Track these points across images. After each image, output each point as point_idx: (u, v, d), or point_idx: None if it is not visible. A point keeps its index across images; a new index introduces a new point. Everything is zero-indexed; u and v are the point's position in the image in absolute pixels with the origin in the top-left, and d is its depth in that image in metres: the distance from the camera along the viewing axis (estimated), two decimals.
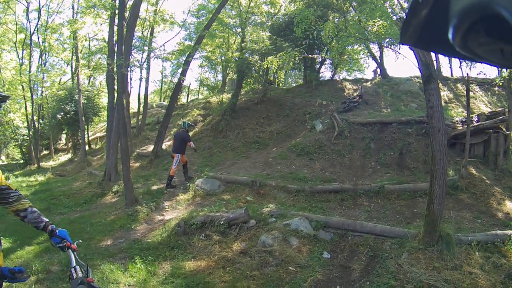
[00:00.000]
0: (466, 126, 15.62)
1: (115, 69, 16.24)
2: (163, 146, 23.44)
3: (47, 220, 4.43)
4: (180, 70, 23.95)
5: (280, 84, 29.67)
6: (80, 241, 4.81)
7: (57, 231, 4.32)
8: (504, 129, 15.79)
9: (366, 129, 19.47)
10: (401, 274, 8.51)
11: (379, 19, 12.76)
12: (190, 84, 42.32)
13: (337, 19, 21.35)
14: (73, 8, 30.16)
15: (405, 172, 16.32)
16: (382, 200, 13.96)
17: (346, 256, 10.19)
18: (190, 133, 19.22)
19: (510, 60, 0.88)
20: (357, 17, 24.22)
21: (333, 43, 17.08)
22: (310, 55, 20.26)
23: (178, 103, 34.81)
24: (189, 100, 39.93)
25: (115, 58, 16.56)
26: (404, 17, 1.23)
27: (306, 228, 10.99)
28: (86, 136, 31.70)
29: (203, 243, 10.59)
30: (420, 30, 0.98)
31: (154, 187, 16.70)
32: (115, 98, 17.77)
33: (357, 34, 13.44)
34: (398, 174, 16.20)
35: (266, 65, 18.61)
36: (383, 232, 10.77)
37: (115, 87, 17.91)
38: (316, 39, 24.76)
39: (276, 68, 19.87)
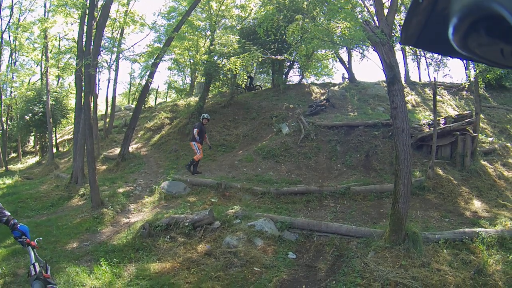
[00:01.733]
0: (433, 128, 15.91)
1: (83, 69, 16.09)
2: (130, 149, 23.18)
3: (9, 214, 4.54)
4: (148, 72, 23.82)
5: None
6: (41, 238, 4.89)
7: (18, 225, 4.42)
8: (471, 131, 16.18)
9: (333, 132, 19.64)
10: (367, 272, 8.63)
11: (343, 21, 12.93)
12: (158, 87, 41.86)
13: (306, 23, 21.61)
14: (45, 6, 29.93)
15: (371, 173, 16.59)
16: (348, 201, 14.19)
17: (312, 256, 10.30)
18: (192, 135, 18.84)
19: (510, 60, 0.90)
20: (321, 19, 24.53)
21: (301, 47, 17.11)
22: (274, 56, 20.32)
23: (146, 106, 34.87)
24: (157, 103, 39.59)
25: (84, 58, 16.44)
26: (404, 17, 1.26)
27: (271, 229, 11.08)
28: (54, 138, 31.24)
29: (168, 245, 10.60)
30: (420, 30, 1.01)
31: (120, 190, 16.39)
32: (83, 100, 17.62)
33: (321, 36, 13.56)
34: (365, 175, 16.43)
35: (229, 66, 18.60)
36: (349, 232, 10.89)
37: (84, 88, 17.80)
38: (285, 43, 24.92)
39: (238, 69, 19.88)
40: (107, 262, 9.46)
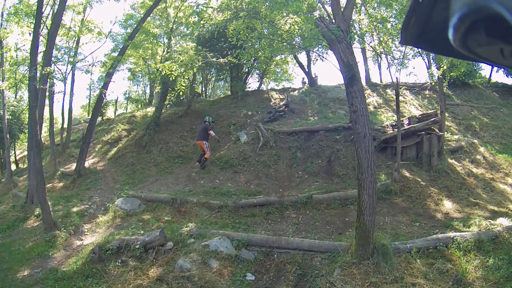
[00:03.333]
0: (396, 129, 15.59)
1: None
2: (87, 164, 22.38)
3: None
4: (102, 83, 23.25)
5: (204, 96, 29.46)
6: None
7: None
8: (437, 130, 15.94)
9: (292, 138, 19.21)
10: None
11: (293, 15, 12.45)
12: (117, 98, 41.28)
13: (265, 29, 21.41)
14: (2, 15, 29.02)
15: (334, 179, 16.14)
16: (311, 211, 13.71)
17: (272, 276, 9.80)
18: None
19: (510, 60, 0.90)
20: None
21: (260, 55, 16.73)
22: (216, 60, 19.78)
23: (104, 118, 34.26)
24: (116, 115, 38.86)
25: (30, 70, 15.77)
26: (404, 17, 1.10)
27: (226, 248, 10.51)
28: (12, 155, 30.39)
29: (119, 270, 10.05)
30: (420, 30, 1.01)
31: (75, 209, 15.68)
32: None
33: (276, 39, 13.08)
34: (327, 182, 15.96)
35: (164, 72, 18.07)
36: (312, 247, 10.38)
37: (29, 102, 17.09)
38: (244, 49, 24.28)
39: (175, 75, 19.41)
40: None
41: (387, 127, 17.88)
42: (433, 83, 22.84)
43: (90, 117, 36.36)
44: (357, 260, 9.06)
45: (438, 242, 9.76)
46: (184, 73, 21.60)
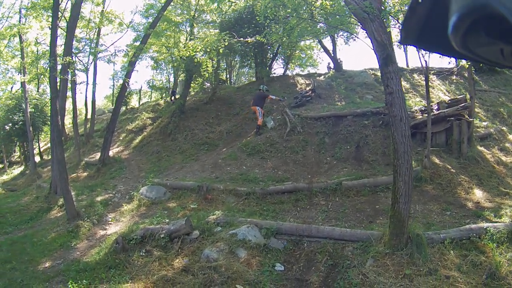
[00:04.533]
0: (426, 115, 14.88)
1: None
2: (111, 153, 22.29)
3: None
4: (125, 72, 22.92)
5: (229, 83, 29.11)
6: None
7: None
8: (466, 116, 15.19)
9: (320, 124, 18.43)
10: (367, 285, 7.62)
11: None
12: (141, 87, 40.94)
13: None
14: (20, 11, 28.71)
15: (363, 166, 15.39)
16: (341, 198, 13.02)
17: (302, 267, 9.21)
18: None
19: (510, 60, 0.90)
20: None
21: (284, 39, 16.18)
22: (243, 39, 19.20)
23: (128, 107, 34.51)
24: (141, 103, 38.63)
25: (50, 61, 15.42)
26: (404, 17, 1.18)
27: (255, 237, 9.91)
28: (36, 146, 30.39)
29: (143, 260, 9.60)
30: (420, 30, 1.01)
31: (99, 198, 15.50)
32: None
33: (303, 24, 12.35)
34: (356, 168, 15.23)
35: (187, 53, 17.42)
36: (343, 236, 9.74)
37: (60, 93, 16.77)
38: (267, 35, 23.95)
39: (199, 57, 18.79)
40: (77, 285, 8.46)
41: (416, 112, 17.06)
42: (459, 68, 22.20)
43: (113, 107, 36.58)
44: (390, 250, 8.48)
45: (471, 233, 9.20)
46: (208, 55, 21.23)
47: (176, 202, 14.09)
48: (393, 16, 11.56)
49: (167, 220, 11.61)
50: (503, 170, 14.51)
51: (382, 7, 9.37)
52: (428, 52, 14.05)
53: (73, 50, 21.03)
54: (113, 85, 43.11)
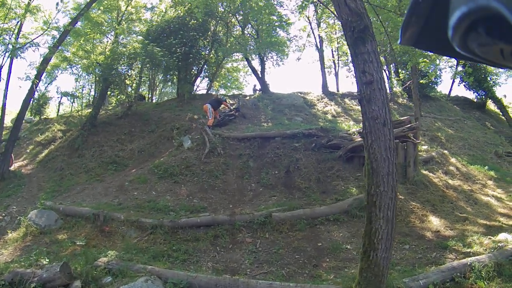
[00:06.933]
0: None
1: None
2: (12, 167, 19.59)
3: None
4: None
5: (150, 101, 28.18)
6: None
7: None
8: (412, 137, 14.10)
9: (244, 145, 16.48)
10: None
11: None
12: (61, 97, 38.12)
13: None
14: None
15: (295, 194, 13.37)
16: (271, 234, 10.94)
17: None
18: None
19: (510, 60, 0.87)
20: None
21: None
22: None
23: (42, 117, 31.95)
24: (59, 115, 35.96)
25: None
26: (404, 17, 0.97)
27: None
28: None
29: None
30: (420, 30, 0.98)
31: None
32: None
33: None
34: (287, 197, 13.18)
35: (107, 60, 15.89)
36: None
37: None
38: (193, 48, 23.82)
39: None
40: None
41: (354, 135, 15.67)
42: (391, 95, 21.88)
43: (32, 117, 33.85)
44: None
45: (454, 272, 7.75)
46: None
47: (68, 233, 11.48)
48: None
49: (45, 261, 8.92)
50: (453, 194, 13.64)
51: None
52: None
53: None
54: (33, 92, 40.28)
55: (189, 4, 23.83)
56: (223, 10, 26.05)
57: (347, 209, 11.47)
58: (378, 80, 6.07)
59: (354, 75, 6.48)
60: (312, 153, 15.14)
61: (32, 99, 24.06)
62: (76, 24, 22.36)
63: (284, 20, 27.55)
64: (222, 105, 20.31)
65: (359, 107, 20.71)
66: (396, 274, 7.87)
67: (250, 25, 27.27)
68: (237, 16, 26.86)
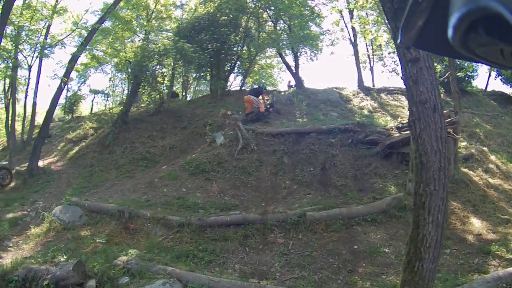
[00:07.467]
0: (405, 132, 13.29)
1: None
2: (42, 163, 19.60)
3: None
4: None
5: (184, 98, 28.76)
6: None
7: None
8: (453, 133, 13.05)
9: (278, 141, 15.82)
10: None
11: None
12: (94, 96, 38.24)
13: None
14: None
15: (331, 191, 12.60)
16: (305, 235, 10.15)
17: None
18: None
19: (510, 60, 0.86)
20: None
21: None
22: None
23: (74, 116, 32.16)
24: (92, 113, 36.11)
25: None
26: (403, 18, 0.94)
27: None
28: None
29: None
30: (420, 30, 0.95)
31: (10, 215, 12.81)
32: None
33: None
34: (323, 195, 12.40)
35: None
36: None
37: None
38: (224, 43, 23.44)
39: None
40: None
41: (392, 130, 15.03)
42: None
43: (65, 116, 34.12)
44: None
45: (500, 282, 7.04)
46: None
47: (91, 230, 11.18)
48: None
49: (63, 258, 8.63)
50: (494, 193, 12.61)
51: None
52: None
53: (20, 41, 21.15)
54: (66, 92, 40.59)
55: (219, 0, 23.88)
56: (253, 6, 25.70)
57: (385, 208, 10.63)
58: (425, 58, 5.19)
59: (396, 53, 5.67)
60: (348, 149, 14.39)
61: (60, 97, 24.09)
62: (105, 23, 22.69)
63: (316, 13, 26.87)
64: (260, 97, 19.84)
65: (396, 102, 19.82)
66: (438, 283, 7.19)
67: (282, 20, 26.73)
68: (268, 11, 26.45)
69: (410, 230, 5.55)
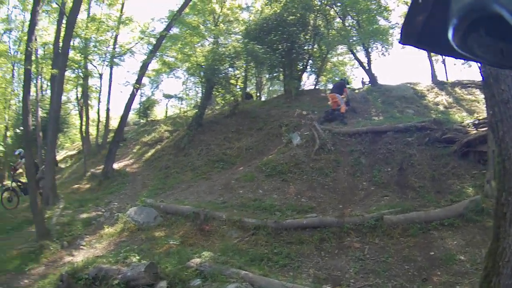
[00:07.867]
0: (482, 129, 12.73)
1: None
2: (117, 166, 20.31)
3: None
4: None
5: (258, 99, 29.37)
6: None
7: None
8: None
9: (355, 141, 15.26)
10: None
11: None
12: (168, 100, 38.84)
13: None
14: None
15: (409, 193, 11.93)
16: (382, 239, 9.69)
17: None
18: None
19: (510, 60, 0.89)
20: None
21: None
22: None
23: (149, 119, 33.25)
24: (166, 117, 36.88)
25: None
26: (404, 17, 1.01)
27: None
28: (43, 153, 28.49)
29: None
30: (420, 31, 0.97)
31: (84, 215, 13.51)
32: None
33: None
34: (400, 197, 11.78)
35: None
36: None
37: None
38: (294, 43, 23.08)
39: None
40: None
41: (469, 127, 14.26)
42: None
43: (140, 120, 34.85)
44: None
45: None
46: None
47: (165, 231, 11.33)
48: None
49: (135, 258, 8.60)
50: None
51: None
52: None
53: (88, 52, 21.78)
54: (140, 98, 41.52)
55: (285, 0, 24.01)
56: (319, 3, 25.33)
57: (462, 212, 9.83)
58: None
59: None
60: (425, 148, 13.71)
61: (133, 103, 24.99)
62: (172, 30, 23.12)
63: (383, 7, 25.85)
64: (344, 91, 19.21)
65: (470, 97, 18.93)
66: None
67: (349, 16, 26.03)
68: (335, 8, 25.96)
69: (490, 242, 5.18)
